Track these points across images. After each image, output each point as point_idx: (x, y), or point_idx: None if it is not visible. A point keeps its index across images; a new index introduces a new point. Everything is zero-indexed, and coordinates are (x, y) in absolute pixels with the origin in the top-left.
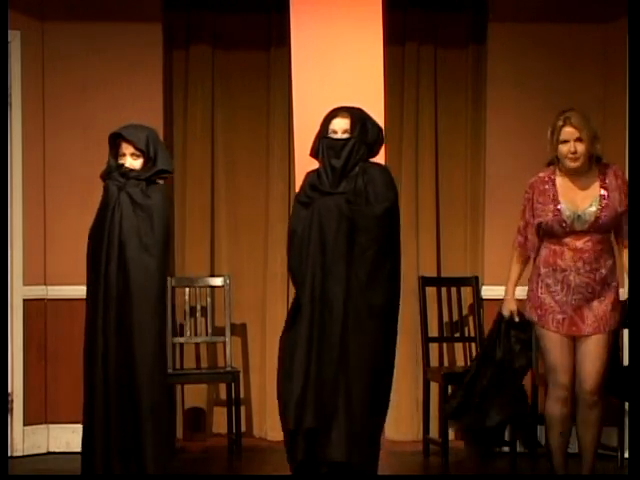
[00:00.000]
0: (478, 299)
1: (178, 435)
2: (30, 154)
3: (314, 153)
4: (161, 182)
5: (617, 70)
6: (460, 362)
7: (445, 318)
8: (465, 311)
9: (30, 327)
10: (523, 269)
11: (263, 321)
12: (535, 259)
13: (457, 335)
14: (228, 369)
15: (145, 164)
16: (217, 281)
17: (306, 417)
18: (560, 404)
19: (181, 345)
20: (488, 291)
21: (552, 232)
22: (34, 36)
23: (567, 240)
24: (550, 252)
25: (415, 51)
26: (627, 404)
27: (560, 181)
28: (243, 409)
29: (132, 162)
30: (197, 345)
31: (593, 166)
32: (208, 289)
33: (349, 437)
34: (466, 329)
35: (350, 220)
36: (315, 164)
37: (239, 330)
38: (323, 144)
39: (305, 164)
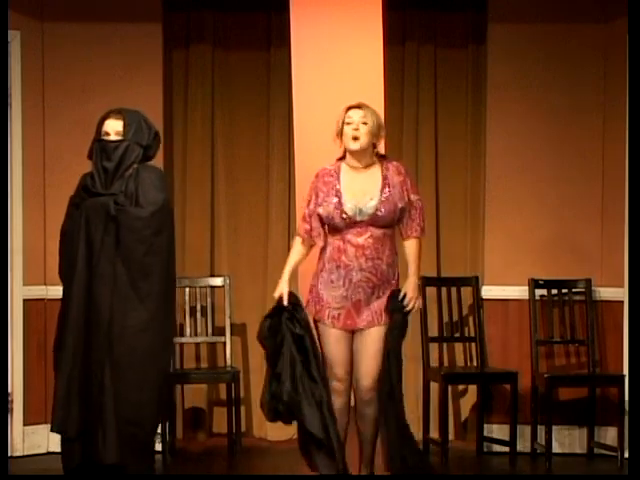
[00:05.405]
0: (478, 299)
1: (178, 435)
2: (30, 154)
3: (89, 155)
4: None
5: (617, 70)
6: (460, 362)
7: (445, 318)
8: (465, 311)
9: (30, 327)
10: (305, 254)
11: None
12: (320, 255)
13: (457, 335)
14: (228, 369)
15: None
16: (217, 281)
17: (70, 422)
18: (337, 396)
19: (181, 345)
20: (488, 291)
21: (333, 224)
22: (34, 36)
23: (349, 237)
24: (334, 249)
25: (415, 51)
26: (627, 404)
27: (345, 175)
28: (243, 409)
29: None
30: (197, 345)
31: (376, 162)
32: (208, 289)
33: (119, 439)
34: (466, 329)
35: (117, 221)
36: (316, 162)
37: (239, 330)
38: (96, 146)
39: (305, 164)
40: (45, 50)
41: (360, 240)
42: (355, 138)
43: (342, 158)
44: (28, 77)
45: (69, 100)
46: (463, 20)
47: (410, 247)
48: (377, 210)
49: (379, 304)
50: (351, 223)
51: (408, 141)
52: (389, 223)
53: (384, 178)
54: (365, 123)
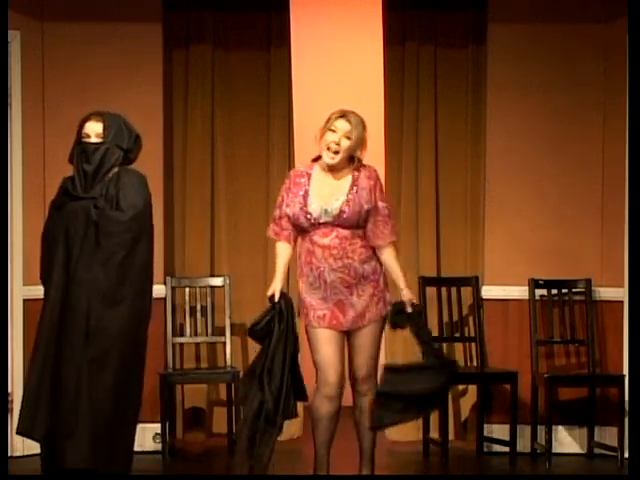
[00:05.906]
0: (478, 299)
1: (178, 435)
2: (30, 154)
3: (70, 159)
4: None
5: (617, 69)
6: (460, 362)
7: (445, 318)
8: (465, 311)
9: (30, 327)
10: (290, 253)
11: None
12: (299, 260)
13: (457, 335)
14: (228, 369)
15: None
16: (217, 281)
17: (37, 424)
18: (328, 402)
19: (181, 345)
20: (488, 291)
21: (299, 224)
22: (34, 36)
23: (315, 238)
24: (306, 252)
25: (415, 51)
26: (627, 404)
27: (316, 176)
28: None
29: None
30: (197, 345)
31: (350, 166)
32: (208, 289)
33: (94, 443)
34: (466, 329)
35: (97, 225)
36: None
37: (239, 330)
38: (77, 149)
39: (305, 164)
40: (45, 50)
41: (326, 241)
42: (334, 151)
43: (317, 159)
44: (28, 77)
45: (69, 100)
46: (463, 20)
47: (386, 258)
48: (341, 211)
49: (362, 305)
50: (316, 224)
51: (408, 141)
52: (355, 224)
53: (354, 180)
54: (349, 138)
